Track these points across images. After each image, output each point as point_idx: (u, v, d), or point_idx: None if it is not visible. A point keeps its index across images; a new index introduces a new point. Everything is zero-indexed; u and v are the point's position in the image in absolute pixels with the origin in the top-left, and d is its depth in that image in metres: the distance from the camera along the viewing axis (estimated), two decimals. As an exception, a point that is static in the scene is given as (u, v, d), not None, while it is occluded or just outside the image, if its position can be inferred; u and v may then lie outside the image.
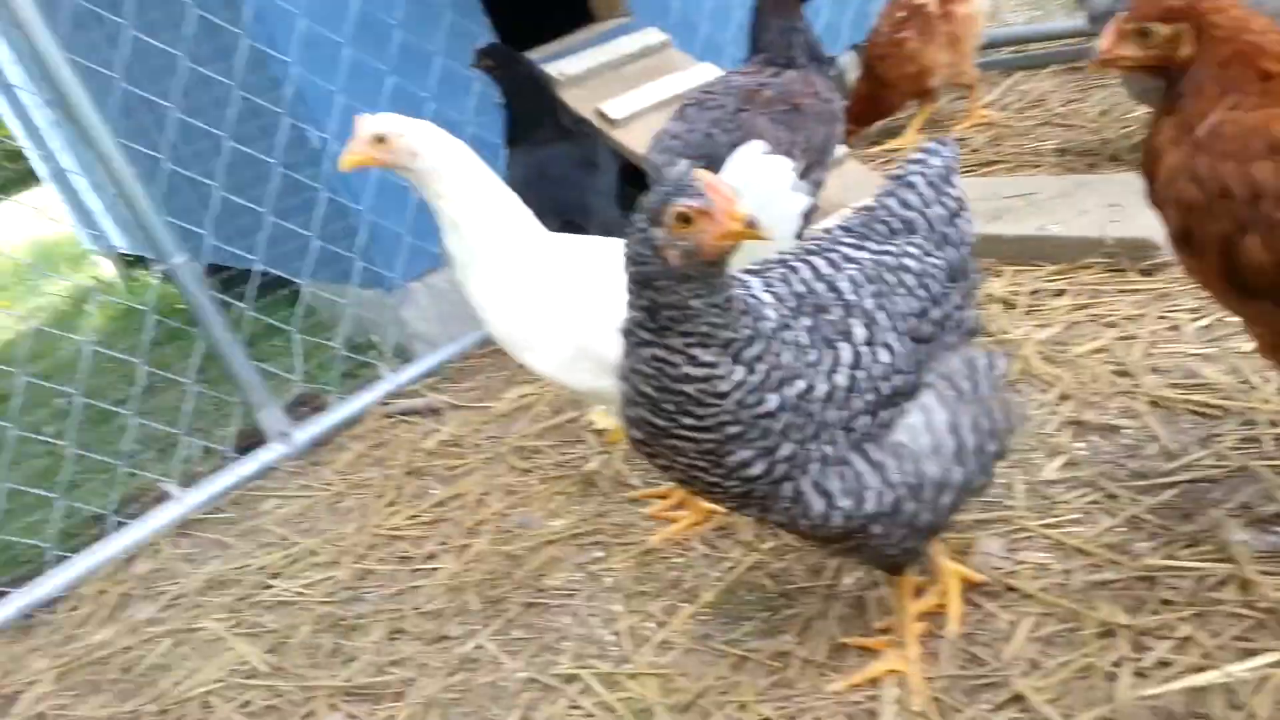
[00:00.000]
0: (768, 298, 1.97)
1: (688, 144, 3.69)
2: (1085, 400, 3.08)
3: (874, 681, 2.30)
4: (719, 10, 5.73)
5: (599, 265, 2.75)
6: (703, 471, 1.90)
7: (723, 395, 1.79)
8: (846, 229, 2.21)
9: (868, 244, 2.15)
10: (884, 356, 1.98)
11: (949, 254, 2.18)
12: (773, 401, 1.83)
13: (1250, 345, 3.04)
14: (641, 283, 1.82)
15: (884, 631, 2.44)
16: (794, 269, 2.06)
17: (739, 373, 1.80)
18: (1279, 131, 1.91)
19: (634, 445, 2.01)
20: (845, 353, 1.94)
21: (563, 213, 3.65)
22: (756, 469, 1.86)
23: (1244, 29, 1.99)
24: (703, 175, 1.75)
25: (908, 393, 2.03)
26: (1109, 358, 3.26)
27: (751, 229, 1.72)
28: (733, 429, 1.81)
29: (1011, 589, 2.46)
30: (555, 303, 2.76)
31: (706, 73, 4.95)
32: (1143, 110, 4.71)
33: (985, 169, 5.02)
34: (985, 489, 2.26)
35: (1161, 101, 2.13)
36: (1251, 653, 2.14)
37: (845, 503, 1.95)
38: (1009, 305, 3.73)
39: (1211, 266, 2.07)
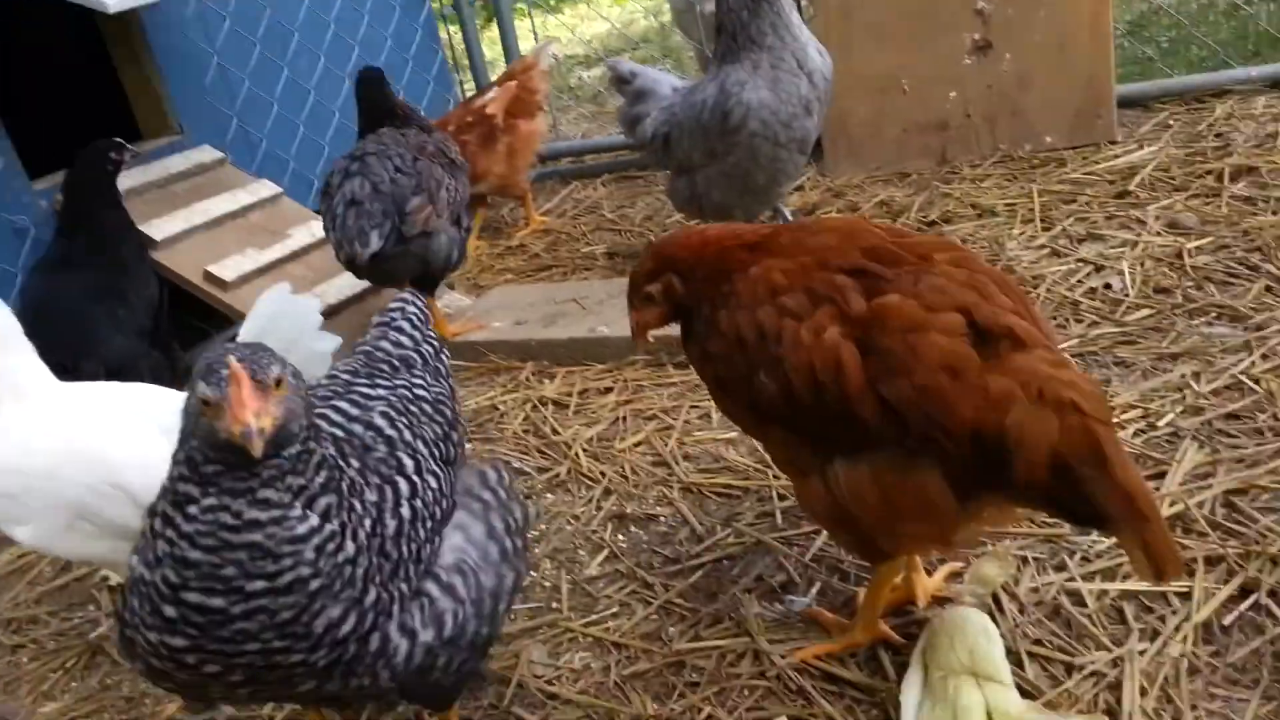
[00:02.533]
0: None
1: (377, 191, 3.82)
2: (627, 493, 3.13)
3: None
4: (279, 126, 5.55)
5: (103, 413, 2.48)
6: (280, 654, 1.60)
7: (300, 539, 1.57)
8: (351, 371, 2.19)
9: (379, 381, 2.12)
10: (432, 483, 1.94)
11: (444, 384, 2.26)
12: (350, 548, 1.65)
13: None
14: (189, 433, 1.57)
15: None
16: (324, 415, 1.94)
17: (314, 519, 1.59)
18: (777, 279, 2.06)
19: (162, 672, 1.66)
20: (403, 486, 1.86)
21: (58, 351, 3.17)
22: (348, 624, 1.64)
23: (705, 244, 2.24)
24: (233, 362, 1.50)
25: (449, 515, 1.99)
26: (649, 450, 3.35)
27: (249, 439, 1.46)
28: (316, 582, 1.59)
29: (553, 696, 2.39)
30: (43, 459, 2.39)
31: (265, 189, 4.80)
32: (680, 216, 5.00)
33: (543, 273, 5.12)
34: (523, 584, 2.20)
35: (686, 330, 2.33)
36: (762, 721, 2.18)
37: (428, 634, 1.80)
38: (560, 406, 3.76)
39: (740, 403, 2.18)
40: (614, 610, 2.65)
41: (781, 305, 2.01)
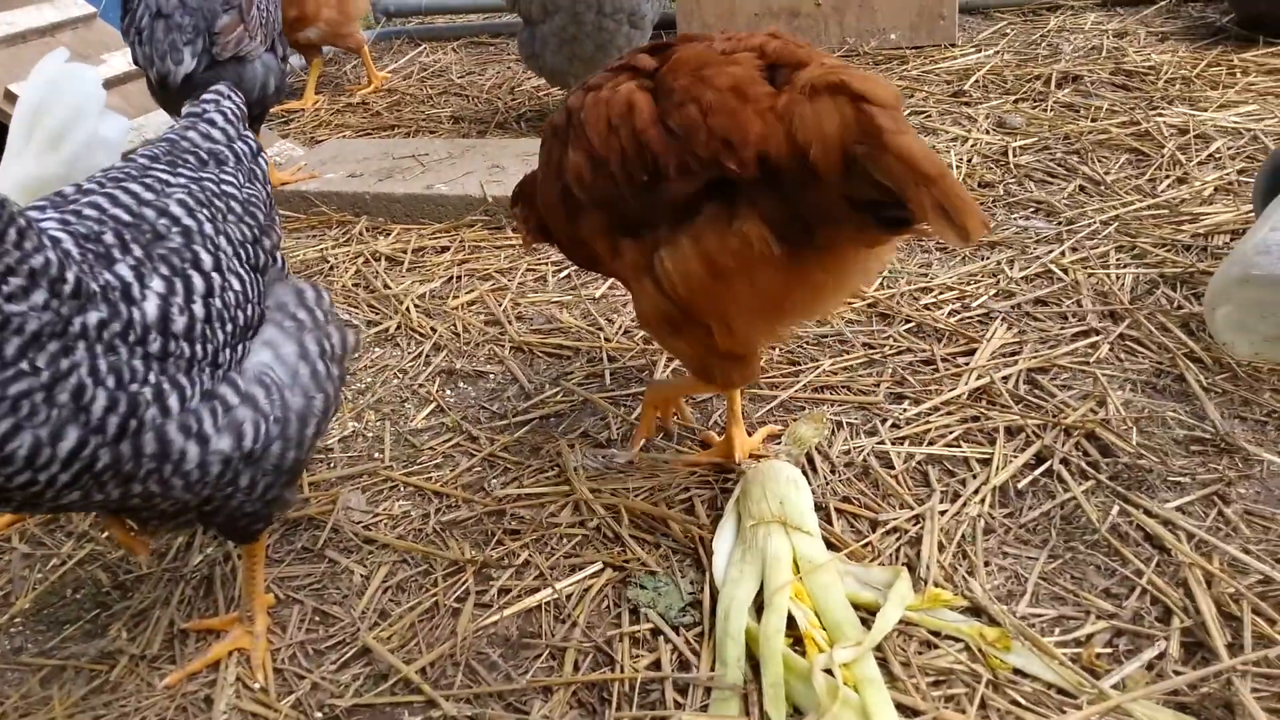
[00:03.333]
0: (66, 235, 1.56)
1: (185, 4, 3.48)
2: (457, 350, 3.03)
3: (216, 665, 2.03)
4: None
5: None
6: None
7: None
8: (151, 156, 1.92)
9: (182, 171, 1.88)
10: (235, 285, 1.74)
11: (259, 188, 2.04)
12: (80, 355, 1.43)
13: (600, 291, 3.16)
14: None
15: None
16: (110, 196, 1.70)
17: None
18: (588, 83, 2.04)
19: None
20: (198, 281, 1.65)
21: None
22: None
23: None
24: None
25: (255, 325, 1.80)
26: (482, 308, 3.24)
27: None
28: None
29: (369, 540, 2.31)
30: None
31: (76, 7, 4.36)
32: (532, 84, 4.81)
33: (384, 133, 4.87)
34: (335, 413, 2.06)
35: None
36: (578, 567, 2.16)
37: (223, 442, 1.65)
38: (394, 262, 3.60)
39: (556, 200, 2.10)
40: (437, 461, 2.57)
41: (587, 85, 2.04)
